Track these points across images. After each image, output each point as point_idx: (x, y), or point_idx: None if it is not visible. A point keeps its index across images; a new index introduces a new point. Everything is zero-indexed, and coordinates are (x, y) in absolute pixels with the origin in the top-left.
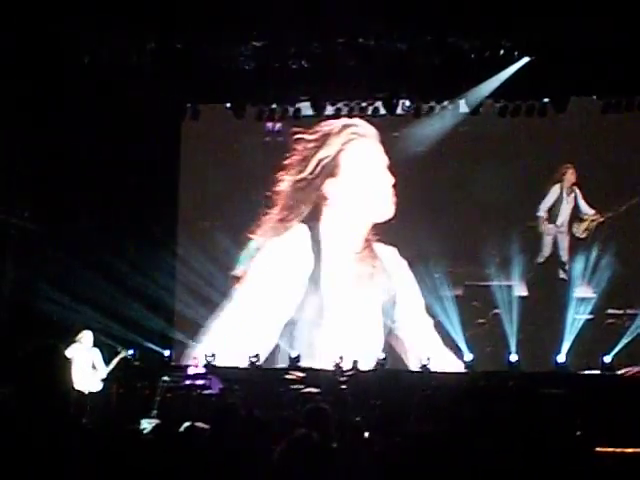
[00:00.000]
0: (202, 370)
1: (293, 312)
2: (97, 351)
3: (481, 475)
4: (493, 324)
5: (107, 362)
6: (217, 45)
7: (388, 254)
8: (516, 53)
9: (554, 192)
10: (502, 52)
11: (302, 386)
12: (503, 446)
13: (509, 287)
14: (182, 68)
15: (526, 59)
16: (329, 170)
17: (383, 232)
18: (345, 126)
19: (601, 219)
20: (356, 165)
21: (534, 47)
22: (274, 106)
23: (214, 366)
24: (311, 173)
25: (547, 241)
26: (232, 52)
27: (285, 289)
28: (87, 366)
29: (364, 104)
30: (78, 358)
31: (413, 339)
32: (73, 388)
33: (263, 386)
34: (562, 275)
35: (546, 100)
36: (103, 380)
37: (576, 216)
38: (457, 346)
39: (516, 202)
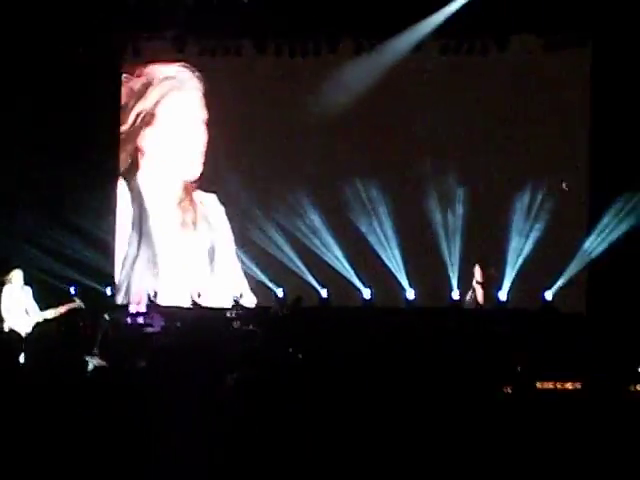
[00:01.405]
0: (144, 308)
1: (127, 264)
2: (29, 291)
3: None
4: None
5: (44, 305)
6: None
7: (207, 201)
8: None
9: None
10: None
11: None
12: (439, 382)
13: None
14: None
15: None
16: (145, 122)
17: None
18: (166, 78)
19: None
20: (171, 118)
21: None
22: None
23: (156, 304)
24: (130, 125)
25: None
26: None
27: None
28: (19, 308)
29: (306, 43)
30: (8, 299)
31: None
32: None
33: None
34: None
35: (488, 38)
36: (37, 324)
37: None
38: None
39: (454, 140)
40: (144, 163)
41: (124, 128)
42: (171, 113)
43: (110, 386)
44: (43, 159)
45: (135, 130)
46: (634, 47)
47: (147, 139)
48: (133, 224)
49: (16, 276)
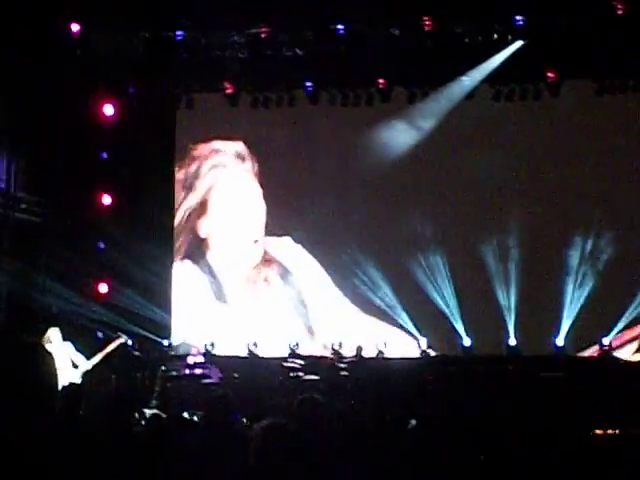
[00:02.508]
0: (201, 359)
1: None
2: (70, 345)
3: (483, 457)
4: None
5: (91, 353)
6: (211, 33)
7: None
8: (509, 37)
9: None
10: (495, 36)
11: (301, 374)
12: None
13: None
14: (176, 57)
15: (520, 42)
16: (198, 213)
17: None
18: (213, 167)
19: None
20: (224, 203)
21: (527, 30)
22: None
23: (213, 355)
24: (183, 218)
25: None
26: (226, 40)
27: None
28: (66, 363)
29: (359, 92)
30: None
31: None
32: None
33: (262, 374)
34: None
35: (541, 83)
36: (87, 373)
37: None
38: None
39: (510, 186)
40: (209, 246)
41: (177, 221)
42: (224, 199)
43: (167, 436)
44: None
45: (191, 221)
46: None
47: (204, 229)
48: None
49: (54, 334)
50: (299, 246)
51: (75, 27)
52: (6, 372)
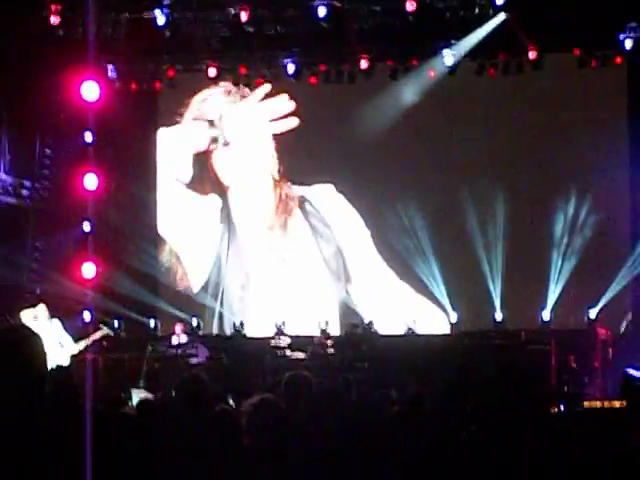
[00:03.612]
0: (185, 339)
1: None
2: (58, 323)
3: (470, 432)
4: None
5: (78, 337)
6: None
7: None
8: (491, 11)
9: None
10: (477, 10)
11: (288, 352)
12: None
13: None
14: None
15: (502, 16)
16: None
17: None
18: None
19: None
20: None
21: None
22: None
23: (199, 335)
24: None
25: None
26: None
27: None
28: (52, 342)
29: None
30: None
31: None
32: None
33: (249, 353)
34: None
35: (523, 57)
36: (74, 356)
37: None
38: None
39: (493, 158)
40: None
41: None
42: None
43: (156, 418)
44: None
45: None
46: None
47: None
48: (222, 239)
49: (41, 311)
50: (341, 196)
51: (56, 9)
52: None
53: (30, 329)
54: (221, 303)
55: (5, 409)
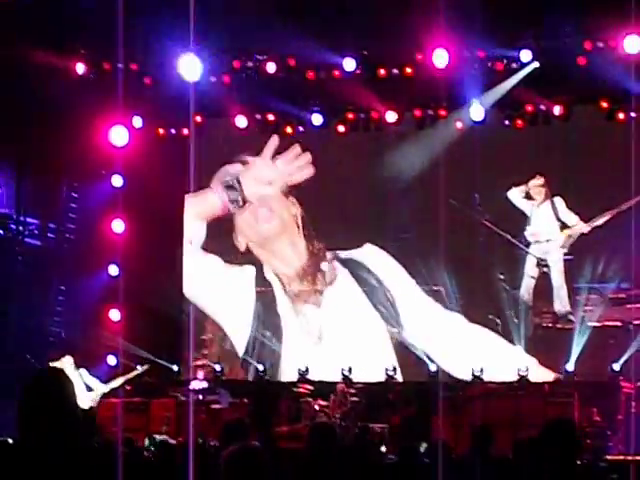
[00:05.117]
0: (208, 384)
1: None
2: (84, 372)
3: None
4: None
5: (107, 378)
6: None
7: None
8: (520, 63)
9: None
10: (505, 62)
11: (311, 399)
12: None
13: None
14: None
15: (533, 66)
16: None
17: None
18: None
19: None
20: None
21: (539, 54)
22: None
23: (222, 380)
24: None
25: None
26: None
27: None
28: (80, 389)
29: (370, 116)
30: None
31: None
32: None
33: (272, 399)
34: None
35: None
36: (102, 397)
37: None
38: None
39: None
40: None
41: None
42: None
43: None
44: None
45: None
46: None
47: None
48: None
49: (67, 362)
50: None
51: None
52: (35, 395)
53: (63, 371)
54: (247, 350)
55: (44, 442)
